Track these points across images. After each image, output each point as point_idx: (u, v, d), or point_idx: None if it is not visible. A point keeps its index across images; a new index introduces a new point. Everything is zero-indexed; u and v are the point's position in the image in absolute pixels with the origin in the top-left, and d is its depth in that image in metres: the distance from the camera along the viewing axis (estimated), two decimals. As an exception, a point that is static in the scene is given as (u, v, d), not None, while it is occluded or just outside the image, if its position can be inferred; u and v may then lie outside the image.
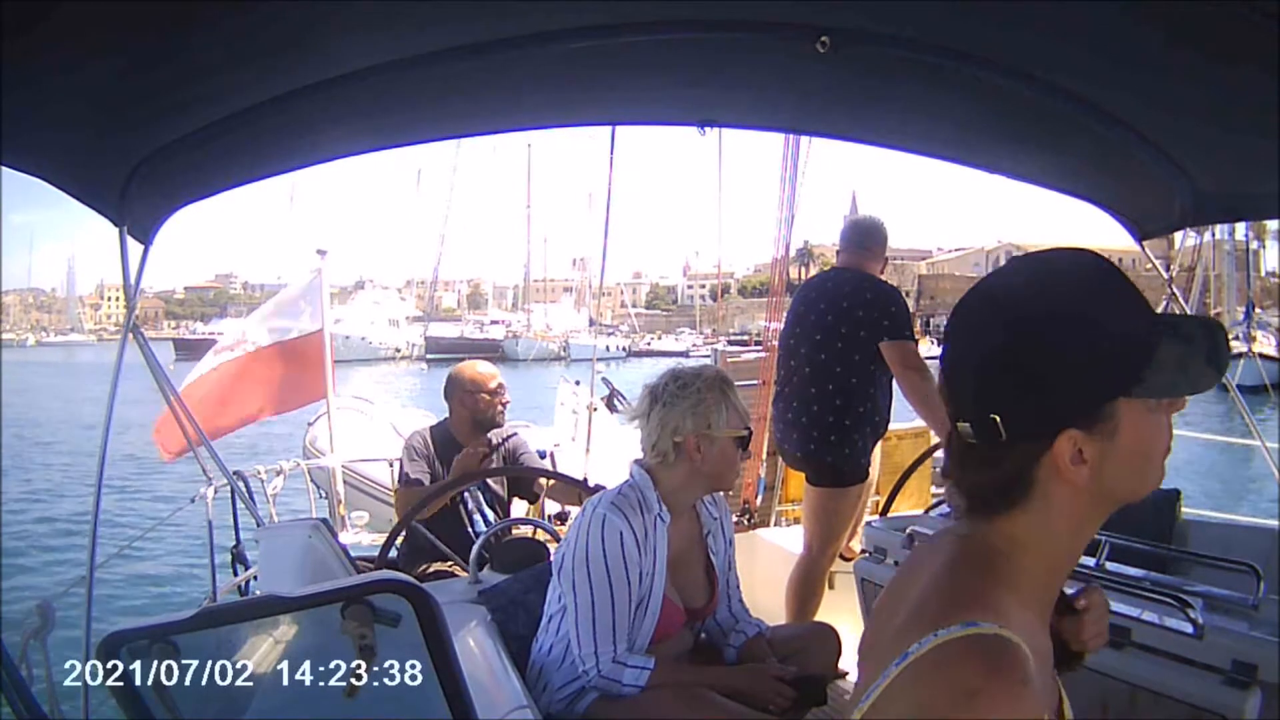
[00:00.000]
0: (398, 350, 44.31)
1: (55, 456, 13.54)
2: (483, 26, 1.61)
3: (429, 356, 40.46)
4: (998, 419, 0.63)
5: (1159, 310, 0.71)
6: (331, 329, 4.34)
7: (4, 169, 1.53)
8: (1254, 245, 31.67)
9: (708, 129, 2.32)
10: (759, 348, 4.28)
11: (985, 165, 2.58)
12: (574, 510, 3.35)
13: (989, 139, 2.35)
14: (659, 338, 61.13)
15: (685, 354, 45.83)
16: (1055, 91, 1.81)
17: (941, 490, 2.86)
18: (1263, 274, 32.21)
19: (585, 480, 2.89)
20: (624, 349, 45.39)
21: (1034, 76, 1.77)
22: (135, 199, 1.91)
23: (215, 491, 2.95)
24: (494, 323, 54.91)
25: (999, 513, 0.67)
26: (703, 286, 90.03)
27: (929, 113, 2.15)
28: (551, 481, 2.94)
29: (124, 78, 1.45)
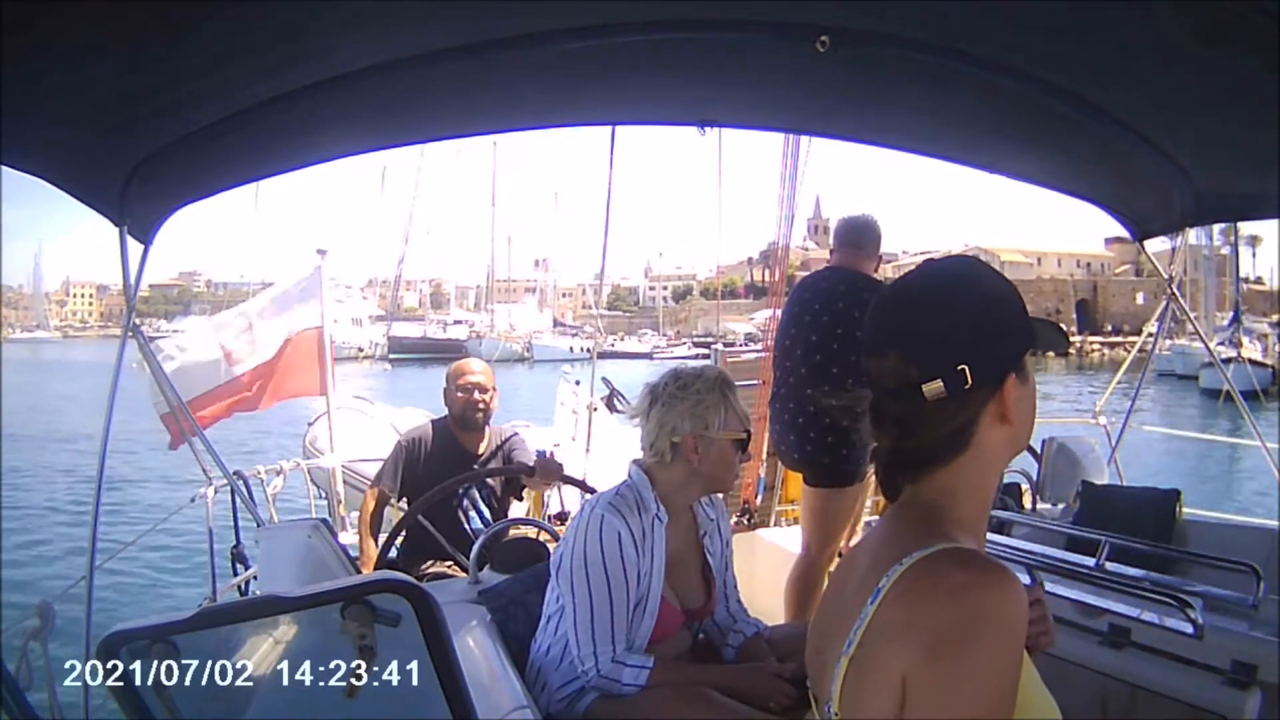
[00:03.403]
0: (360, 350, 43.75)
1: (35, 455, 13.44)
2: (483, 27, 1.61)
3: (392, 356, 40.00)
4: (966, 369, 0.76)
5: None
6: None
7: (5, 169, 1.53)
8: (1224, 251, 31.59)
9: (708, 129, 2.31)
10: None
11: (985, 165, 2.58)
12: (553, 498, 3.42)
13: (989, 139, 2.35)
14: (621, 339, 60.05)
15: (649, 355, 45.81)
16: (1055, 91, 1.81)
17: None
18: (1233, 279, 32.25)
19: (553, 460, 2.90)
20: (588, 350, 45.08)
21: (1034, 76, 1.77)
22: (135, 199, 1.91)
23: (215, 491, 2.95)
24: (457, 323, 54.23)
25: (938, 467, 0.80)
26: (665, 288, 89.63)
27: (929, 113, 2.15)
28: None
29: (124, 78, 1.45)
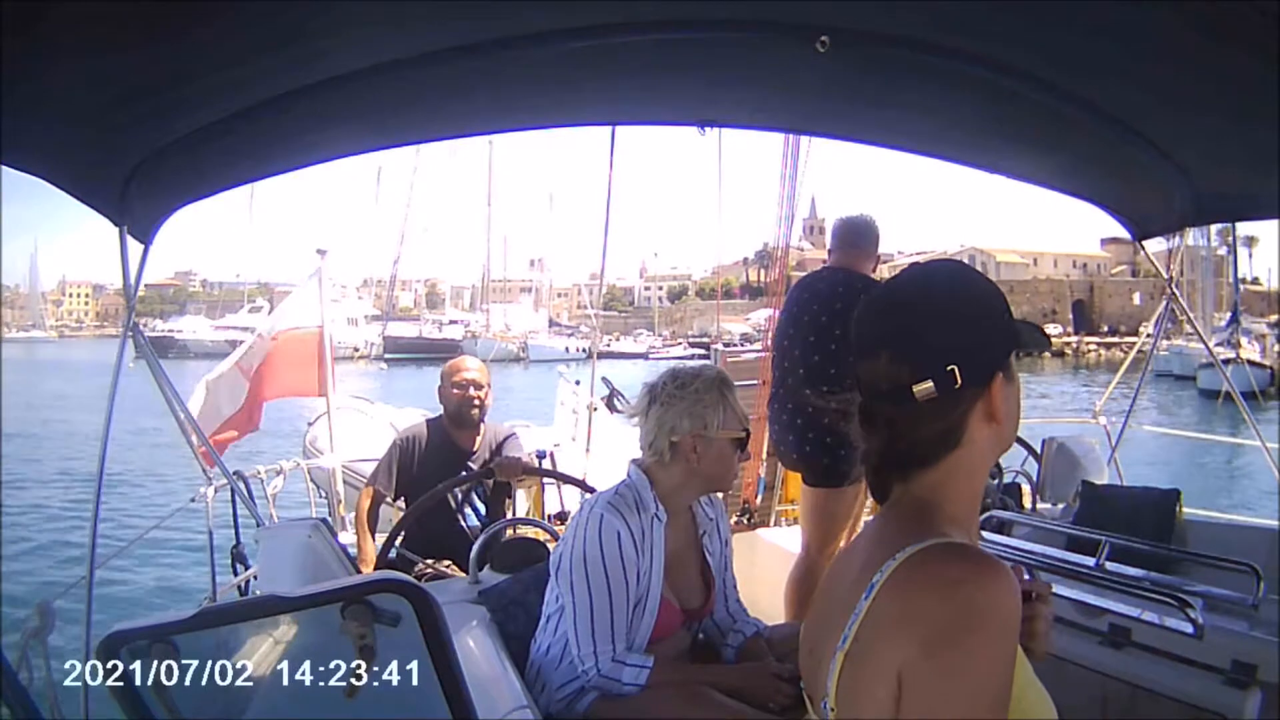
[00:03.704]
0: (356, 349, 43.38)
1: (30, 455, 13.40)
2: (483, 27, 1.61)
3: (387, 356, 39.66)
4: (956, 369, 0.78)
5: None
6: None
7: (5, 169, 1.53)
8: (1221, 251, 31.57)
9: (708, 129, 2.31)
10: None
11: (985, 165, 2.58)
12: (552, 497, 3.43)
13: (989, 139, 2.35)
14: (617, 339, 59.04)
15: (645, 355, 45.64)
16: (1055, 91, 1.82)
17: None
18: (1230, 279, 32.28)
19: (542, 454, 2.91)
20: (584, 350, 44.67)
21: (1034, 76, 1.77)
22: (135, 199, 1.91)
23: (215, 491, 2.95)
24: (452, 322, 53.93)
25: (928, 466, 0.81)
26: (660, 288, 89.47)
27: (929, 112, 2.15)
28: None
29: (124, 78, 1.45)
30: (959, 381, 0.78)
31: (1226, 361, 18.01)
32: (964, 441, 0.80)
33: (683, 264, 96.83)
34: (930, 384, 0.78)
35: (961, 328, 0.81)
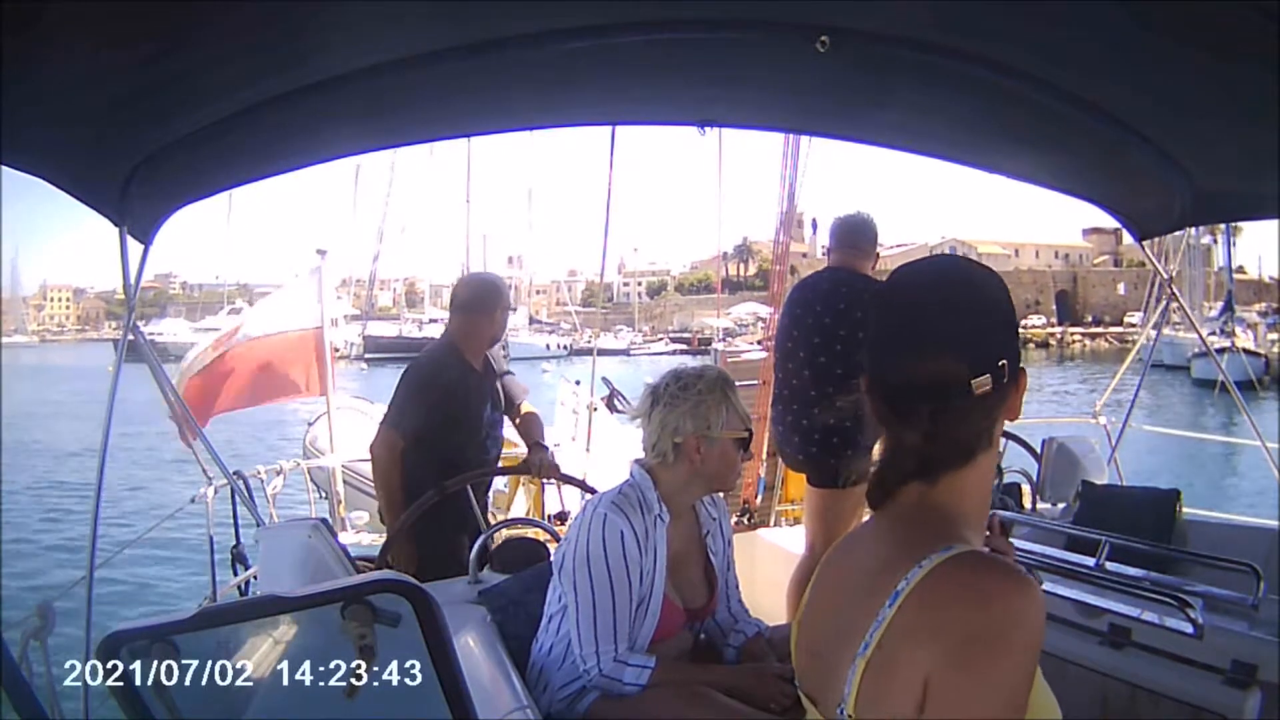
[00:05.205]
0: (337, 350, 42.98)
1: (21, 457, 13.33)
2: (483, 26, 1.61)
3: (368, 356, 38.99)
4: (1005, 364, 0.78)
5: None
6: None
7: (5, 168, 1.53)
8: (1205, 240, 31.38)
9: (708, 129, 2.31)
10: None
11: (985, 165, 2.58)
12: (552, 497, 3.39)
13: (989, 139, 2.35)
14: (597, 335, 59.20)
15: (626, 352, 45.44)
16: (1055, 91, 1.81)
17: None
18: (1216, 269, 32.10)
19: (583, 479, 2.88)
20: (565, 347, 43.80)
21: (1034, 76, 1.77)
22: (135, 199, 1.91)
23: (215, 491, 2.95)
24: (432, 321, 51.42)
25: (959, 466, 0.80)
26: (639, 284, 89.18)
27: (929, 112, 2.15)
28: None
29: (124, 78, 1.45)
30: (1007, 376, 0.79)
31: (1221, 351, 17.81)
32: (993, 441, 0.81)
33: (661, 259, 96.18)
34: (988, 379, 0.78)
35: (1004, 324, 0.83)
